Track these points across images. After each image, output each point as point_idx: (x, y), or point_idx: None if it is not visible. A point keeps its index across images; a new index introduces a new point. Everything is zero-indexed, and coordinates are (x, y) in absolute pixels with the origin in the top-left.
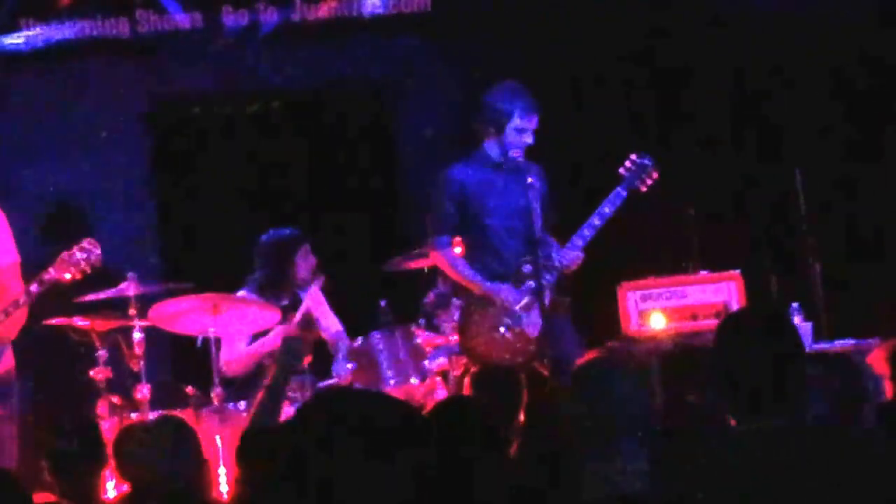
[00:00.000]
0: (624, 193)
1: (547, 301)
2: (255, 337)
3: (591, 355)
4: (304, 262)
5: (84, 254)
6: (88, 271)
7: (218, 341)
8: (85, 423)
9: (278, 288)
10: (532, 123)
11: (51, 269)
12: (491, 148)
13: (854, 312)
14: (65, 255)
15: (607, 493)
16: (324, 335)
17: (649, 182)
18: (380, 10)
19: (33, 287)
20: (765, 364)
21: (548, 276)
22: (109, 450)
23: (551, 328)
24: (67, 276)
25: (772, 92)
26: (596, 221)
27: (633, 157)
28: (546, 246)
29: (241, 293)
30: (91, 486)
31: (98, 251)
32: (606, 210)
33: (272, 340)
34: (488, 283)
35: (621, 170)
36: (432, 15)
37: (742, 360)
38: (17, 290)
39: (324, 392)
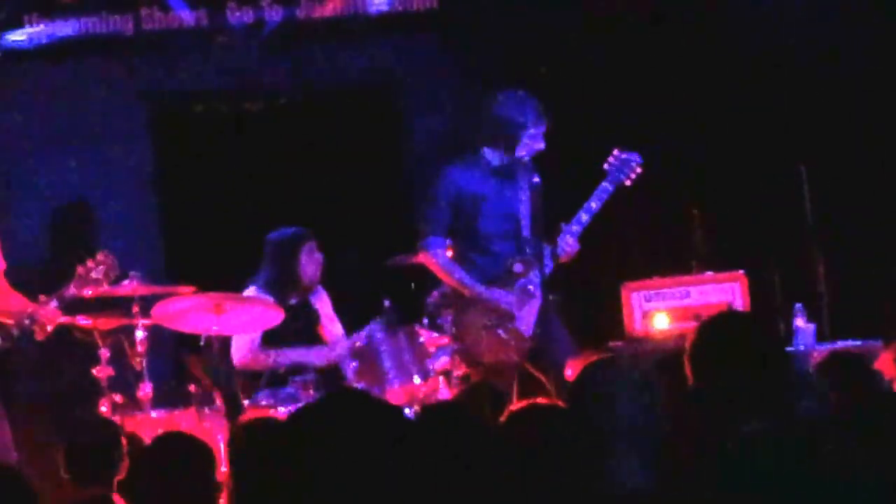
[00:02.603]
0: (610, 188)
1: (540, 299)
2: (267, 334)
3: (592, 357)
4: (310, 260)
5: (101, 268)
6: (106, 285)
7: (220, 340)
8: (104, 421)
9: (285, 286)
10: (543, 128)
11: (71, 287)
12: (491, 154)
13: (858, 313)
14: (81, 270)
15: (608, 494)
16: (326, 338)
17: (633, 176)
18: (385, 8)
19: (53, 303)
20: (745, 366)
21: (546, 268)
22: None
23: (545, 326)
24: (88, 292)
25: (777, 89)
26: (584, 217)
27: (616, 151)
28: (538, 245)
29: (248, 291)
30: (108, 484)
31: (113, 262)
32: (593, 205)
33: (318, 356)
34: (480, 288)
35: (605, 165)
36: (439, 12)
37: (722, 363)
38: (12, 295)
39: (329, 393)
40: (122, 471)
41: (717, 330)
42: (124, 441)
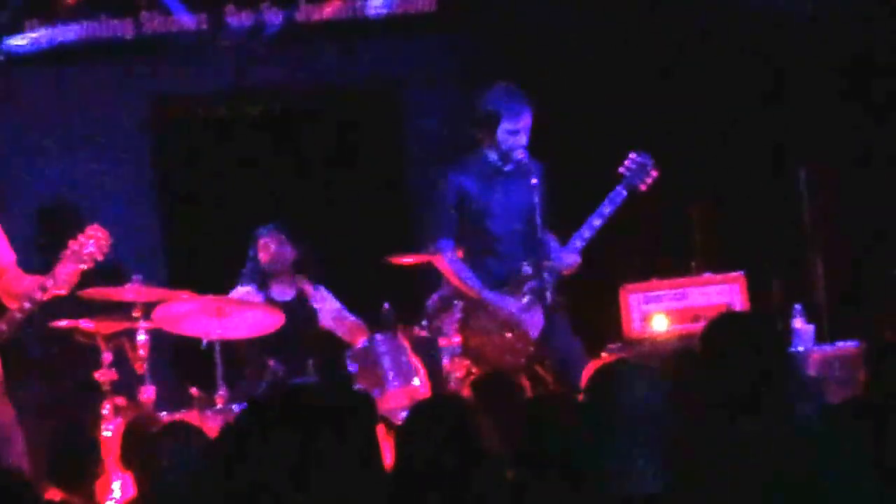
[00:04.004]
0: (624, 193)
1: (548, 302)
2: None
3: (605, 360)
4: (265, 252)
5: (92, 242)
6: (101, 258)
7: (222, 343)
8: (82, 429)
9: (255, 274)
10: (522, 123)
11: (64, 262)
12: (489, 152)
13: (856, 314)
14: (73, 245)
15: (621, 494)
16: (343, 325)
17: (649, 181)
18: (384, 11)
19: (49, 282)
20: (749, 367)
21: (548, 277)
22: (104, 454)
23: (552, 329)
24: (83, 266)
25: (776, 91)
26: (596, 222)
27: (633, 155)
28: (546, 246)
29: (245, 289)
30: (88, 490)
31: (105, 235)
32: (606, 210)
33: None
34: (487, 292)
35: (621, 169)
36: (437, 15)
37: (727, 364)
38: (26, 279)
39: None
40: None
41: (724, 330)
42: (104, 446)
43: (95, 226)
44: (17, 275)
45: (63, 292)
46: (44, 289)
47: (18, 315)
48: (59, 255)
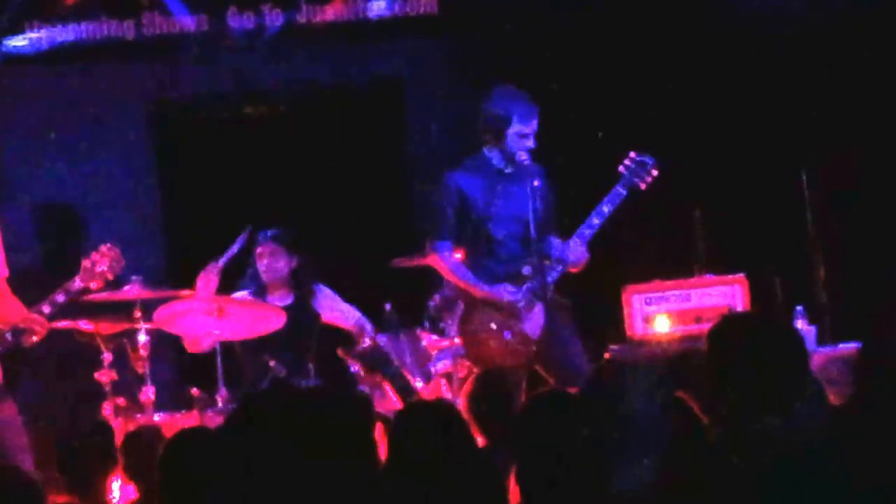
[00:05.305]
0: (623, 192)
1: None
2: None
3: (601, 362)
4: (259, 261)
5: (105, 260)
6: (111, 278)
7: (223, 344)
8: (100, 424)
9: (258, 283)
10: (531, 127)
11: (76, 280)
12: (492, 154)
13: (858, 316)
14: (86, 263)
15: (620, 493)
16: (346, 325)
17: (649, 180)
18: (386, 13)
19: (59, 297)
20: (758, 366)
21: (549, 277)
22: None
23: (553, 329)
24: (93, 285)
25: (779, 93)
26: (595, 220)
27: (633, 154)
28: (547, 247)
29: (243, 293)
30: (100, 486)
31: (118, 255)
32: (605, 209)
33: None
34: (484, 286)
35: (620, 168)
36: (438, 17)
37: (735, 363)
38: (11, 302)
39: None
40: (113, 473)
41: (735, 330)
42: (118, 444)
43: (109, 244)
44: (4, 296)
45: (36, 337)
46: (16, 330)
47: (9, 336)
48: (72, 276)
